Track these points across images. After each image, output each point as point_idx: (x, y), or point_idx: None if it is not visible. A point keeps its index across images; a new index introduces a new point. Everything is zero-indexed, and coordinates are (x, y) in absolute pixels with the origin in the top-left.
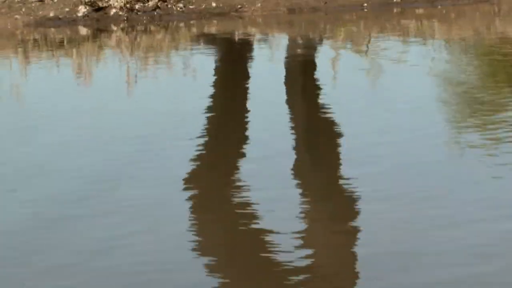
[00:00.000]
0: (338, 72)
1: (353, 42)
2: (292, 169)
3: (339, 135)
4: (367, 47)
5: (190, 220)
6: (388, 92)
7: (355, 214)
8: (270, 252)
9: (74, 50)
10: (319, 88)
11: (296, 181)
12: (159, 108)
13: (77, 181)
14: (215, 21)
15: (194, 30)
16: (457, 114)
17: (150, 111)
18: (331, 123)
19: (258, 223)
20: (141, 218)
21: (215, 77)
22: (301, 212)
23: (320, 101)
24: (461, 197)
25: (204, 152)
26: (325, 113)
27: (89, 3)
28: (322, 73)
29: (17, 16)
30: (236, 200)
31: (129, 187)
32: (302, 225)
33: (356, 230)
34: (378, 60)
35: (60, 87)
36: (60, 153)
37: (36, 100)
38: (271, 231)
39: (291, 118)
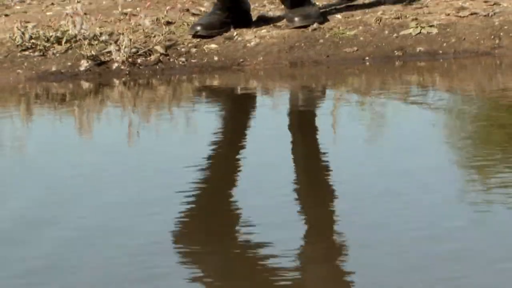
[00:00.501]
0: (340, 124)
1: (355, 94)
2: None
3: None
4: (370, 99)
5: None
6: (389, 143)
7: None
8: None
9: (76, 105)
10: (320, 140)
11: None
12: (158, 165)
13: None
14: (217, 75)
15: (196, 84)
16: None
17: (148, 166)
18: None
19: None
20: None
21: (217, 132)
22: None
23: (321, 152)
24: None
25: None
26: (325, 168)
27: (91, 58)
28: (324, 125)
29: (19, 70)
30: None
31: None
32: None
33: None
34: (379, 112)
35: (61, 141)
36: (49, 208)
37: (36, 154)
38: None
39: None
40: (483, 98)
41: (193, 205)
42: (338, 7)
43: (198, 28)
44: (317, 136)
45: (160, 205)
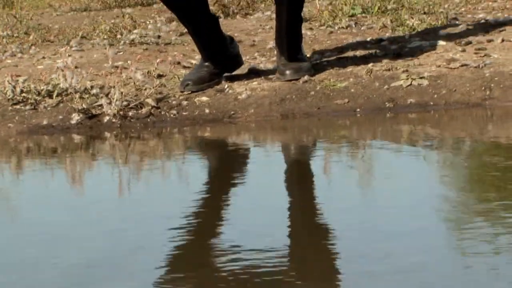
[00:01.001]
0: (332, 175)
1: (346, 146)
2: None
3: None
4: (361, 151)
5: None
6: (381, 196)
7: None
8: None
9: (67, 158)
10: (313, 191)
11: None
12: (147, 216)
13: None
14: (208, 128)
15: (187, 136)
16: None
17: (139, 217)
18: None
19: None
20: None
21: (208, 184)
22: None
23: (313, 202)
24: None
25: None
26: (317, 215)
27: (83, 111)
28: (316, 176)
29: (10, 124)
30: None
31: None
32: None
33: None
34: (371, 164)
35: (52, 195)
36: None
37: (27, 209)
38: None
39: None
40: (474, 149)
41: (179, 254)
42: (328, 59)
43: (189, 83)
44: (311, 190)
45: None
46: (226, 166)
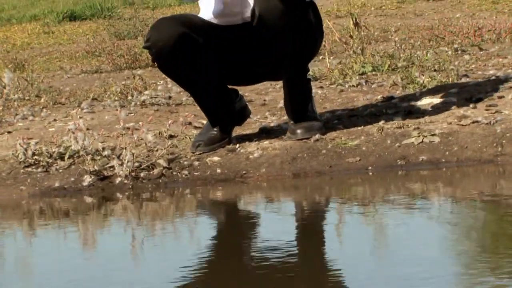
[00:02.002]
0: (344, 233)
1: (358, 205)
2: None
3: None
4: (373, 210)
5: None
6: (394, 255)
7: None
8: None
9: (80, 220)
10: (324, 249)
11: None
12: (161, 278)
13: None
14: (220, 187)
15: (199, 196)
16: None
17: (152, 280)
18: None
19: None
20: None
21: (219, 245)
22: None
23: (326, 261)
24: None
25: None
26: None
27: (94, 173)
28: (328, 234)
29: (22, 187)
30: None
31: None
32: None
33: None
34: (383, 222)
35: (65, 257)
36: None
37: (41, 271)
38: None
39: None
40: (487, 207)
41: None
42: (340, 117)
43: (200, 144)
44: (323, 250)
45: None
46: (238, 226)
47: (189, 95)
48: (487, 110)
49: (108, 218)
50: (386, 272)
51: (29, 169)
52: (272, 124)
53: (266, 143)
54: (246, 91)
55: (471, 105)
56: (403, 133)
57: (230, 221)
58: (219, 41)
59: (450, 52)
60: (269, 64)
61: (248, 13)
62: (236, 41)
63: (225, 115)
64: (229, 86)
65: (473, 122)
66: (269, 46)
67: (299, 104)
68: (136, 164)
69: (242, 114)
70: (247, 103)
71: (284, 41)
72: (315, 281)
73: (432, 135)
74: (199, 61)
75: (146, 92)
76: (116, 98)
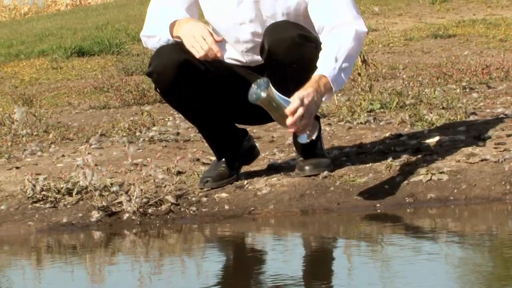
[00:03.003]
0: (351, 274)
1: (366, 242)
2: None
3: None
4: (381, 248)
5: None
6: None
7: None
8: None
9: (87, 256)
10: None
11: None
12: None
13: None
14: (228, 224)
15: (207, 233)
16: None
17: None
18: None
19: None
20: None
21: (226, 282)
22: None
23: None
24: None
25: None
26: None
27: (102, 208)
28: (335, 272)
29: (30, 222)
30: None
31: None
32: None
33: None
34: (390, 261)
35: None
36: None
37: None
38: None
39: None
40: (495, 246)
41: None
42: (348, 154)
43: (208, 180)
44: (329, 285)
45: None
46: (245, 262)
47: (197, 131)
48: (495, 148)
49: (116, 254)
50: None
51: (37, 204)
52: (280, 161)
53: (274, 179)
54: (255, 128)
55: (480, 143)
56: (411, 170)
57: (238, 257)
58: (224, 75)
59: (458, 90)
60: None
61: (242, 48)
62: (242, 80)
63: (231, 150)
64: (238, 125)
65: (482, 160)
66: (279, 84)
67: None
68: (144, 200)
69: (251, 154)
70: (256, 144)
71: (294, 75)
72: None
73: (441, 172)
74: (201, 89)
75: (154, 128)
76: (124, 134)
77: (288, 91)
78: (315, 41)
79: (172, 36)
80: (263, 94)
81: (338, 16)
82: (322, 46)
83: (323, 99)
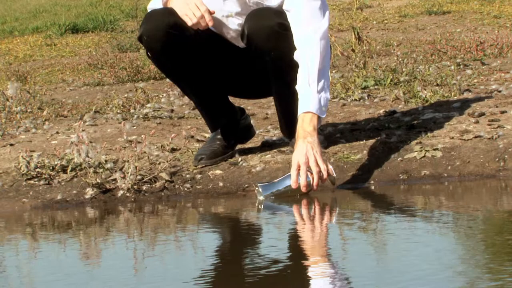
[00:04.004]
0: (345, 250)
1: (360, 219)
2: None
3: None
4: (375, 224)
5: None
6: (394, 269)
7: None
8: None
9: (81, 232)
10: (324, 262)
11: None
12: None
13: None
14: (222, 200)
15: (201, 209)
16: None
17: None
18: None
19: None
20: None
21: (221, 258)
22: None
23: (326, 273)
24: None
25: None
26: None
27: (97, 185)
28: (330, 247)
29: (24, 199)
30: None
31: None
32: None
33: None
34: (385, 236)
35: (66, 270)
36: None
37: (42, 283)
38: None
39: None
40: (489, 222)
41: None
42: (342, 131)
43: (202, 158)
44: (323, 261)
45: None
46: (239, 239)
47: (192, 108)
48: (489, 125)
49: (110, 231)
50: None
51: (32, 181)
52: (274, 138)
53: (268, 156)
54: (249, 105)
55: (473, 120)
56: (405, 147)
57: (232, 233)
58: (213, 43)
59: (452, 67)
60: (265, 82)
61: (230, 35)
62: (231, 51)
63: (227, 121)
64: (236, 105)
65: (476, 137)
66: (262, 66)
67: (292, 121)
68: (139, 177)
69: (247, 133)
70: (252, 123)
71: (274, 62)
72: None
73: (435, 149)
74: (191, 53)
75: (149, 105)
76: (119, 111)
77: (269, 77)
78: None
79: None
80: (262, 197)
81: (300, 16)
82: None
83: (318, 126)
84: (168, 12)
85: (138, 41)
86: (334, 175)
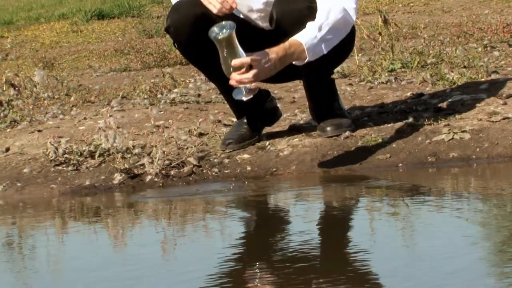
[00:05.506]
0: (375, 232)
1: (389, 202)
2: None
3: None
4: (405, 205)
5: None
6: (423, 252)
7: None
8: None
9: (111, 218)
10: (354, 246)
11: None
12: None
13: None
14: (251, 184)
15: (229, 194)
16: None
17: (183, 278)
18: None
19: None
20: None
21: (249, 241)
22: None
23: (355, 258)
24: None
25: None
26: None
27: (125, 171)
28: (359, 233)
29: (53, 185)
30: None
31: None
32: None
33: None
34: (414, 221)
35: (96, 255)
36: None
37: (72, 269)
38: None
39: None
40: None
41: None
42: (369, 114)
43: (230, 142)
44: (353, 244)
45: None
46: (268, 222)
47: (218, 92)
48: None
49: (139, 216)
50: (414, 268)
51: (60, 167)
52: (301, 122)
53: (296, 140)
54: (276, 89)
55: (501, 102)
56: (433, 130)
57: (261, 217)
58: (241, 30)
59: (479, 49)
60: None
61: (255, 15)
62: (259, 37)
63: (252, 107)
64: (262, 88)
65: (504, 119)
66: None
67: (321, 104)
68: (167, 162)
69: (273, 115)
70: (278, 105)
71: None
72: (342, 275)
73: (463, 131)
74: None
75: (176, 90)
76: (146, 96)
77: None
78: None
79: None
80: (221, 35)
81: None
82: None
83: (294, 63)
84: (194, 3)
85: (165, 31)
86: (250, 88)
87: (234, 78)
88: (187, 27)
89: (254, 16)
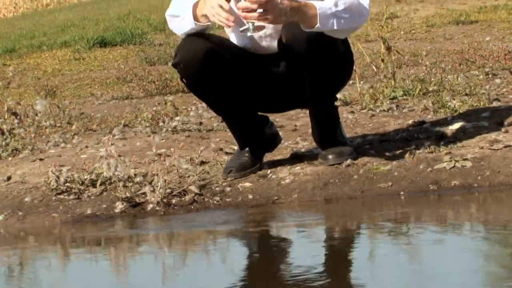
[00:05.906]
0: (376, 259)
1: (390, 230)
2: None
3: None
4: (407, 232)
5: None
6: (426, 281)
7: None
8: None
9: (112, 247)
10: (356, 276)
11: None
12: None
13: None
14: (252, 212)
15: (231, 224)
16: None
17: None
18: None
19: None
20: None
21: (250, 271)
22: None
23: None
24: None
25: None
26: None
27: (126, 199)
28: (359, 260)
29: (54, 214)
30: None
31: None
32: None
33: None
34: (416, 249)
35: (97, 284)
36: None
37: None
38: None
39: None
40: None
41: None
42: (371, 142)
43: (231, 170)
44: (355, 274)
45: None
46: (270, 251)
47: (220, 120)
48: None
49: (140, 245)
50: None
51: (61, 196)
52: (303, 150)
53: (297, 168)
54: (278, 117)
55: (503, 129)
56: (435, 158)
57: (262, 246)
58: (247, 64)
59: (481, 76)
60: (299, 92)
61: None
62: (264, 68)
63: (254, 138)
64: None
65: (505, 147)
66: (297, 75)
67: (326, 132)
68: (168, 190)
69: (273, 141)
70: (278, 130)
71: (311, 71)
72: None
73: (464, 159)
74: (226, 78)
75: (177, 118)
76: (147, 125)
77: (304, 85)
78: (330, 38)
79: (196, 15)
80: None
81: None
82: None
83: (303, 27)
84: (204, 39)
85: (173, 67)
86: (258, 26)
87: (244, 8)
88: (197, 65)
89: (260, 32)
